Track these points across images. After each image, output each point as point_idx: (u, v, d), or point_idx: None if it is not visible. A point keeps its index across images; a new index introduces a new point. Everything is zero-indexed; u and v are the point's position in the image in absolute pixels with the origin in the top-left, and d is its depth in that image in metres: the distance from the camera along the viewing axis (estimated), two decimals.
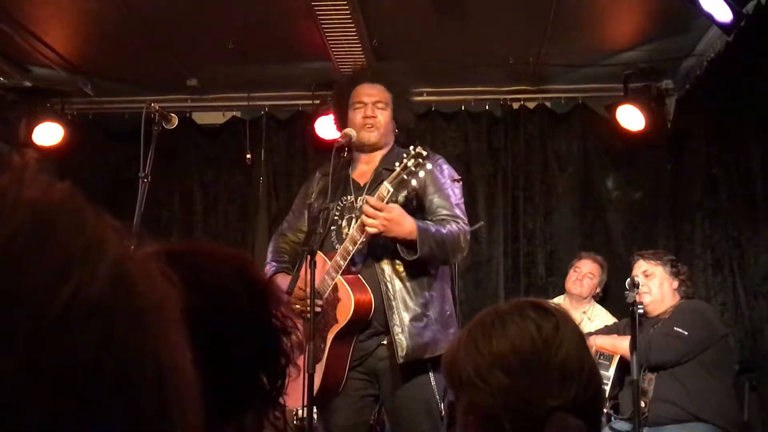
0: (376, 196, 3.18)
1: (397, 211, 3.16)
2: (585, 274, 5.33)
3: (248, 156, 6.06)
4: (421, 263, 3.26)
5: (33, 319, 0.43)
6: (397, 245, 3.22)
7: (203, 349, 0.52)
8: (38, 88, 5.88)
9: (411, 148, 3.14)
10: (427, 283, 3.35)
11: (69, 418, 0.43)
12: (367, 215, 3.14)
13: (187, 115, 6.15)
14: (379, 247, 3.30)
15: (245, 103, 6.19)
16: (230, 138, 6.31)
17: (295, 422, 4.47)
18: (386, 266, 3.30)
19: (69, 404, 0.43)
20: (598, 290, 5.40)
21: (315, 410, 3.39)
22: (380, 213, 3.12)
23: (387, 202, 3.16)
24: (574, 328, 1.42)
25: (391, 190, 3.14)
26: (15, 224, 0.44)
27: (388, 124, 3.52)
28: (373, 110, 3.50)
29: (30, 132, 5.85)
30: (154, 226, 5.91)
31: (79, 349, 0.44)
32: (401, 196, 3.26)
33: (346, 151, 3.55)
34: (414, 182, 3.16)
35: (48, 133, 5.89)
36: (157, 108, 3.59)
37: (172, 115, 3.69)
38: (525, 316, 1.39)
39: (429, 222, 3.29)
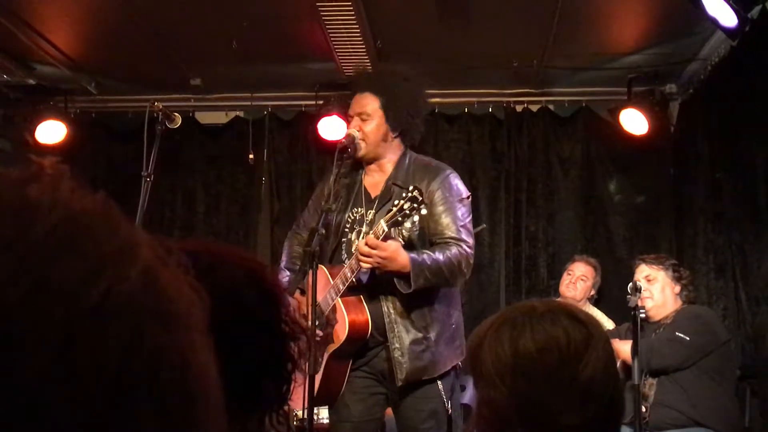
0: (372, 233, 3.22)
1: (392, 247, 3.19)
2: (578, 277, 5.35)
3: (251, 156, 6.06)
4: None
5: (67, 311, 0.44)
6: (394, 279, 3.24)
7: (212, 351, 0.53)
8: (41, 86, 5.88)
9: (409, 189, 3.15)
10: (428, 305, 3.37)
11: (97, 410, 0.44)
12: (362, 253, 3.17)
13: (190, 114, 6.14)
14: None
15: (248, 103, 6.19)
16: (233, 138, 6.31)
17: (294, 422, 4.47)
18: (388, 289, 3.32)
19: (98, 397, 0.44)
20: (592, 292, 5.41)
21: (316, 411, 3.41)
22: (374, 251, 3.15)
23: (383, 237, 3.19)
24: (607, 344, 1.36)
25: (386, 229, 3.17)
26: (52, 222, 0.46)
27: (375, 134, 3.48)
28: (357, 123, 3.49)
29: (33, 130, 5.84)
30: (157, 224, 5.92)
31: (109, 345, 0.45)
32: (404, 229, 3.25)
33: (349, 152, 3.54)
34: (408, 224, 3.18)
35: (51, 132, 5.88)
36: (161, 107, 3.60)
37: (176, 114, 3.70)
38: (557, 323, 1.35)
39: (426, 251, 3.29)
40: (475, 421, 1.40)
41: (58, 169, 0.50)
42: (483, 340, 1.39)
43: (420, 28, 5.01)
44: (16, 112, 6.03)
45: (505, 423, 1.32)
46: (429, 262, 3.24)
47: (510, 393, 1.31)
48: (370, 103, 3.50)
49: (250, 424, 1.29)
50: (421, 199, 3.11)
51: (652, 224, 5.92)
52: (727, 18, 3.98)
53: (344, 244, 3.48)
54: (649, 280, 4.47)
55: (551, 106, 6.10)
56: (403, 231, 3.26)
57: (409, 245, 3.29)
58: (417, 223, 3.20)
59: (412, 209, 3.11)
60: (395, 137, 3.53)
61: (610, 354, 1.37)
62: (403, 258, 3.18)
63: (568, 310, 1.41)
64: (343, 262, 3.40)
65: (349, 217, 3.49)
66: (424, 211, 3.14)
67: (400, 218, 3.14)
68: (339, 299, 3.33)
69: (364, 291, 3.38)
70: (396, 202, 3.17)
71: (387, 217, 3.17)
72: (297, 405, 3.08)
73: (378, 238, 3.17)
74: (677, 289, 4.51)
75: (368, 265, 3.20)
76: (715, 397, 4.22)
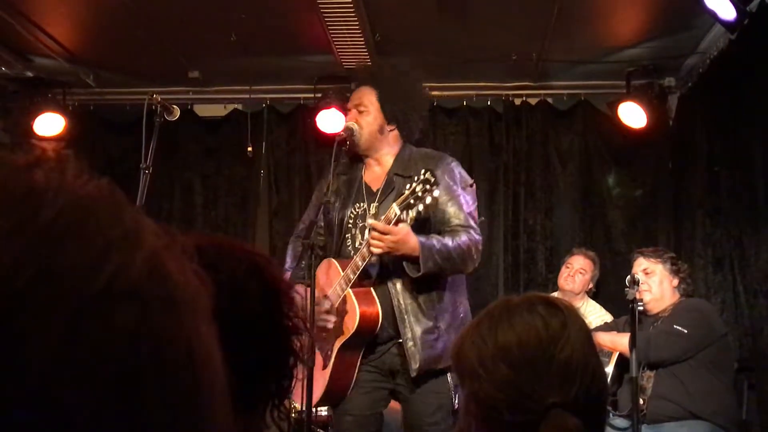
0: (384, 218, 3.22)
1: (403, 231, 3.19)
2: (577, 270, 5.35)
3: (249, 149, 6.06)
4: (431, 276, 3.28)
5: (73, 296, 0.44)
6: (404, 262, 3.25)
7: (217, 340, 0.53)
8: (40, 78, 5.87)
9: (422, 172, 3.16)
10: (437, 295, 3.38)
11: (103, 396, 0.44)
12: (373, 238, 3.17)
13: (189, 107, 6.13)
14: (391, 261, 3.33)
15: (247, 96, 6.18)
16: (231, 131, 6.31)
17: (293, 415, 4.47)
18: (397, 280, 3.33)
19: (104, 383, 0.45)
20: (590, 285, 5.42)
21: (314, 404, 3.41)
22: (386, 236, 3.15)
23: (395, 221, 3.18)
24: (582, 326, 1.41)
25: (398, 213, 3.17)
26: (57, 208, 0.46)
27: (371, 125, 3.51)
28: (354, 115, 3.52)
29: (31, 122, 5.84)
30: (154, 217, 5.86)
31: (115, 330, 0.45)
32: (412, 212, 3.25)
33: (347, 144, 3.55)
34: (421, 207, 3.18)
35: (49, 124, 5.88)
36: (159, 99, 3.59)
37: (174, 106, 3.69)
38: (533, 311, 1.39)
39: (436, 236, 3.29)
40: (463, 420, 1.42)
41: (62, 155, 0.50)
42: (464, 340, 1.42)
43: (419, 21, 5.01)
44: (14, 105, 6.02)
45: (492, 411, 1.34)
46: (438, 246, 3.24)
47: (494, 381, 1.34)
48: (366, 96, 3.54)
49: (252, 419, 1.29)
50: (434, 180, 3.11)
51: (651, 218, 5.92)
52: (726, 11, 3.98)
53: (348, 240, 3.48)
54: (647, 273, 4.48)
55: (550, 100, 6.10)
56: (411, 213, 3.24)
57: (420, 229, 3.28)
58: (429, 205, 3.20)
59: (424, 191, 3.12)
60: (391, 130, 3.54)
61: (587, 335, 1.41)
62: (413, 241, 3.19)
63: (543, 298, 1.46)
64: (350, 257, 3.39)
65: (351, 212, 3.49)
66: (436, 193, 3.14)
67: (412, 201, 3.14)
68: (349, 290, 3.33)
69: (373, 283, 3.38)
70: (408, 185, 3.18)
71: (399, 200, 3.18)
72: (296, 397, 3.08)
73: (390, 222, 3.17)
74: (675, 282, 4.51)
75: (380, 251, 3.19)
76: (713, 389, 4.23)
